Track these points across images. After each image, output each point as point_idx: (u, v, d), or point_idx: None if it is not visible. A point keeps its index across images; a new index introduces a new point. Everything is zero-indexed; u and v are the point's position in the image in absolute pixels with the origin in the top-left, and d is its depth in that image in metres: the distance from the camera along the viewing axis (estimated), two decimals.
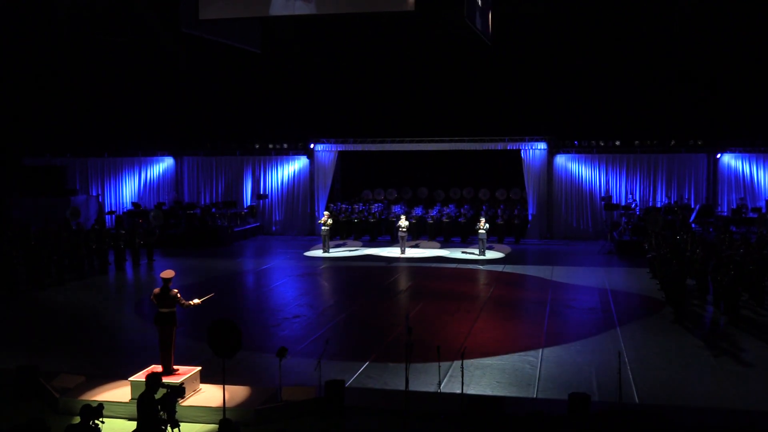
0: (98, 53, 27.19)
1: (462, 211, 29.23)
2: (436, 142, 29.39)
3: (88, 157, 31.00)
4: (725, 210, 27.46)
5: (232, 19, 15.81)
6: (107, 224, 28.58)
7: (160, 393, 9.13)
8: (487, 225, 24.83)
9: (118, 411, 10.75)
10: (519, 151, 28.94)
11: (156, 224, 27.42)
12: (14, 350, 13.69)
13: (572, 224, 29.02)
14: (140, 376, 10.89)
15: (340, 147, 30.72)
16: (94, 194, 30.56)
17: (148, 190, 32.22)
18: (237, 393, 11.16)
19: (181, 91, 30.20)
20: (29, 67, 28.12)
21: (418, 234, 28.56)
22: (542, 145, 28.76)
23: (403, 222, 25.60)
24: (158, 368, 11.15)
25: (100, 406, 8.97)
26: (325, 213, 27.19)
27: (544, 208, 29.01)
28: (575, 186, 29.01)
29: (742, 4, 24.64)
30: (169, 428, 8.94)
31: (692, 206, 27.37)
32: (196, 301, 11.70)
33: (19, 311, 17.84)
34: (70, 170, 30.65)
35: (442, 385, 11.55)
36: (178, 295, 11.44)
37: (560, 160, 29.10)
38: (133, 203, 30.89)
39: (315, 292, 20.46)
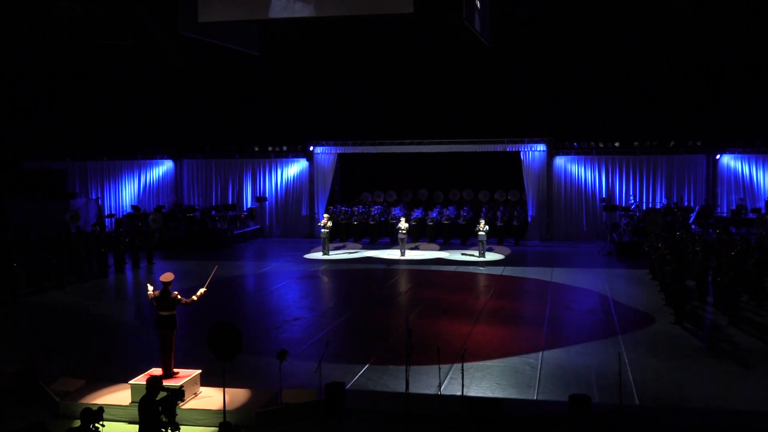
0: (97, 56, 27.18)
1: (462, 212, 29.23)
2: (436, 143, 29.39)
3: (87, 160, 30.99)
4: (725, 211, 27.46)
5: (231, 21, 15.83)
6: (107, 227, 28.59)
7: (161, 396, 9.12)
8: (487, 227, 24.83)
9: (118, 414, 10.75)
10: (518, 152, 28.94)
11: (155, 227, 27.42)
12: (14, 354, 13.67)
13: (572, 225, 29.01)
14: (140, 380, 10.90)
15: (340, 149, 30.73)
16: (93, 197, 30.55)
17: (147, 193, 32.23)
18: (237, 396, 11.16)
19: (180, 94, 30.21)
20: (29, 70, 28.12)
21: (417, 236, 28.56)
22: (541, 147, 28.76)
23: (403, 224, 25.58)
24: (158, 371, 11.15)
25: (101, 409, 8.98)
26: (325, 215, 27.20)
27: (543, 209, 29.00)
28: (575, 187, 29.01)
29: (741, 5, 24.65)
30: (169, 431, 8.93)
31: (692, 207, 27.37)
32: (201, 291, 11.68)
33: (19, 314, 17.83)
34: (70, 173, 30.64)
35: (442, 387, 11.55)
36: (179, 296, 11.44)
37: (559, 161, 29.10)
38: (132, 206, 30.89)
39: (315, 294, 20.46)
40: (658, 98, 27.59)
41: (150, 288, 11.62)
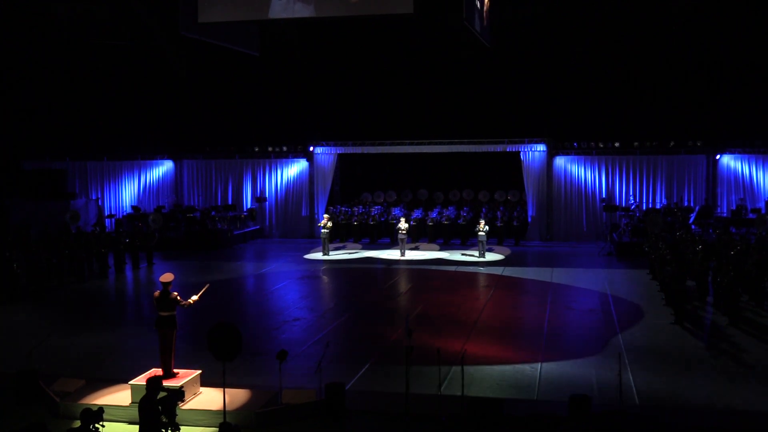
0: (98, 57, 27.21)
1: (461, 213, 29.23)
2: (436, 144, 29.38)
3: (87, 160, 30.99)
4: (725, 211, 27.46)
5: (231, 22, 15.84)
6: (107, 228, 28.60)
7: (161, 396, 9.12)
8: (487, 227, 24.82)
9: (118, 415, 10.75)
10: (518, 152, 28.92)
11: (155, 227, 27.42)
12: (14, 354, 13.66)
13: (572, 226, 28.99)
14: (140, 380, 10.90)
15: (340, 149, 30.72)
16: (93, 198, 30.56)
17: (147, 193, 32.23)
18: (237, 396, 11.16)
19: (180, 95, 30.21)
20: (29, 71, 28.14)
21: (417, 236, 28.55)
22: (541, 147, 28.75)
23: (403, 224, 25.58)
24: (158, 372, 11.14)
25: (101, 410, 8.97)
26: (325, 216, 27.19)
27: (543, 209, 28.99)
28: (575, 187, 28.99)
29: (741, 5, 24.65)
30: (169, 431, 8.93)
31: (692, 207, 27.37)
32: (194, 298, 11.70)
33: (18, 315, 17.82)
34: (70, 174, 30.65)
35: (442, 388, 11.54)
36: (178, 297, 11.45)
37: (559, 161, 29.09)
38: (132, 207, 30.89)
39: (315, 295, 20.45)
40: (658, 98, 27.57)
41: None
